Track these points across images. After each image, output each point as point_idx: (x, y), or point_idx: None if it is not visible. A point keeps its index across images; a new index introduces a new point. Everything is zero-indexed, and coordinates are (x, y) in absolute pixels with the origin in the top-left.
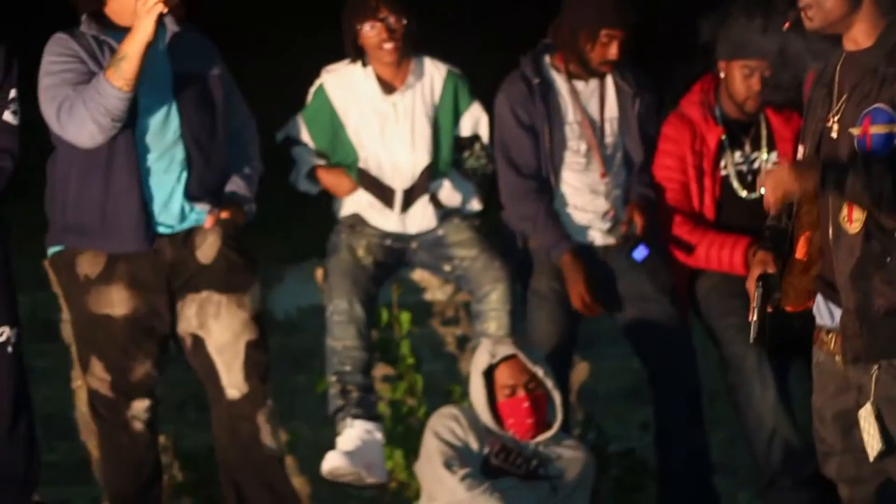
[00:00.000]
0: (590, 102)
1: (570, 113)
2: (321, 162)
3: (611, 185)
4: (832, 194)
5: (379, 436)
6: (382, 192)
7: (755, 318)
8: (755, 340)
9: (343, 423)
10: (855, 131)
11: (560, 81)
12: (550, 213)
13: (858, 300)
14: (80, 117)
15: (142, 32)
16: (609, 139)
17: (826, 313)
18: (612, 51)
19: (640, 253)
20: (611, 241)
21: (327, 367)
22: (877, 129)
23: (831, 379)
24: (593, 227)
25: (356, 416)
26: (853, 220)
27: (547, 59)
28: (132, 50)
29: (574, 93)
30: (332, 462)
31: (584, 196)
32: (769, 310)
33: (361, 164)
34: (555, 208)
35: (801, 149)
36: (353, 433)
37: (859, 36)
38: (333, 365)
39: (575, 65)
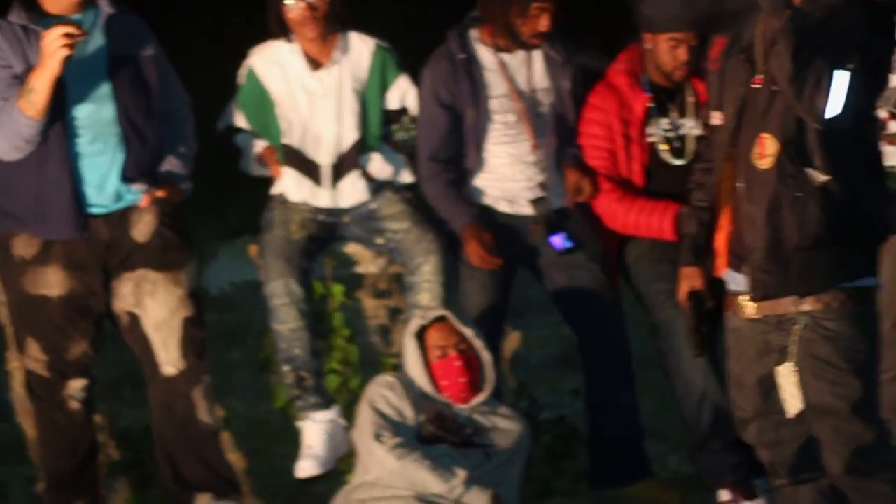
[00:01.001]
0: (518, 74)
1: (497, 86)
2: (265, 144)
3: (542, 155)
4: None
5: (341, 421)
6: (308, 168)
7: (693, 332)
8: (696, 353)
9: (304, 416)
10: None
11: (487, 55)
12: (451, 191)
13: (769, 236)
14: None
15: (49, 71)
16: (540, 108)
17: (740, 279)
18: (544, 22)
19: (561, 242)
20: (546, 207)
21: (278, 352)
22: None
23: (751, 344)
24: (525, 197)
25: (316, 407)
26: (764, 155)
27: (473, 33)
28: (40, 85)
29: (502, 65)
30: (306, 470)
31: (516, 167)
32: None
33: (286, 140)
34: (473, 182)
35: (715, 115)
36: (318, 428)
37: None
38: (283, 350)
39: (505, 38)
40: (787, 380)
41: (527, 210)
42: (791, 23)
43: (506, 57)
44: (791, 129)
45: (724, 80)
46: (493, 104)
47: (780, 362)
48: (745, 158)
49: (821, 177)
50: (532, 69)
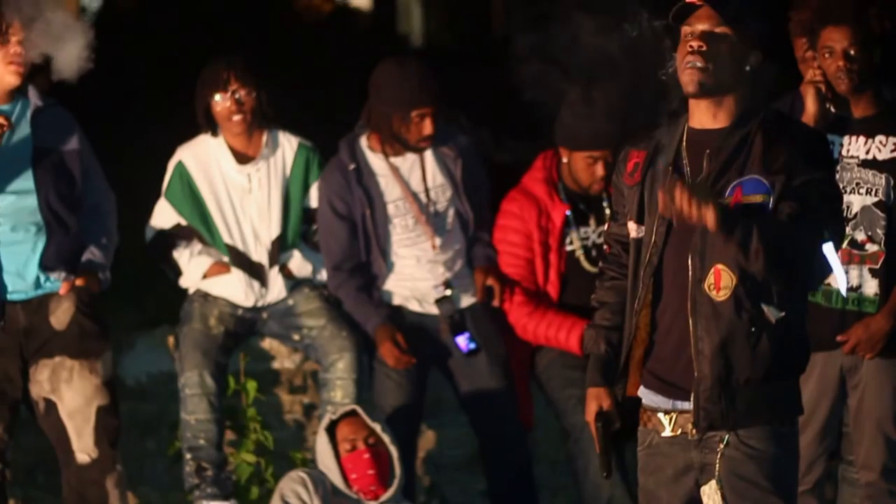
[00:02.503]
0: (412, 176)
1: (392, 191)
2: (209, 261)
3: (445, 254)
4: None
5: None
6: (254, 269)
7: (601, 453)
8: (605, 475)
9: None
10: (724, 201)
11: (378, 161)
12: (360, 296)
13: (719, 368)
14: None
15: None
16: (438, 206)
17: (660, 398)
18: (427, 128)
19: (465, 344)
20: (451, 307)
21: (182, 441)
22: (749, 199)
23: (668, 461)
24: (432, 296)
25: (213, 497)
26: (721, 287)
27: (363, 141)
28: None
29: (394, 169)
30: None
31: (422, 267)
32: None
33: (230, 242)
34: (380, 286)
35: (632, 227)
36: None
37: (721, 112)
38: (188, 439)
39: (392, 146)
40: (711, 499)
41: (436, 310)
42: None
43: (397, 161)
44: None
45: (648, 192)
46: (391, 209)
47: (700, 481)
48: (690, 283)
49: (776, 314)
50: (425, 168)
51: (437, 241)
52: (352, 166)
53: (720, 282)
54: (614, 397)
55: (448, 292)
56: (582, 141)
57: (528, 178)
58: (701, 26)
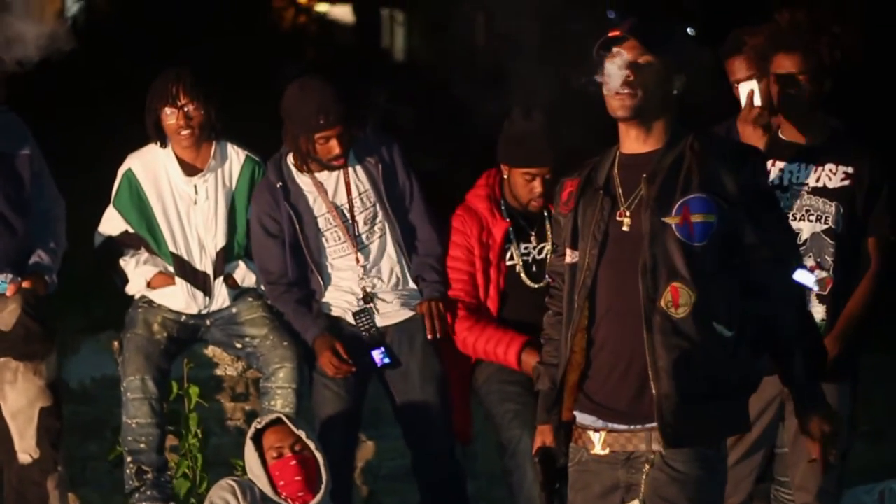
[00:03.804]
0: (338, 189)
1: (319, 206)
2: (153, 270)
3: (373, 267)
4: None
5: None
6: (197, 279)
7: (543, 488)
8: None
9: None
10: (672, 220)
11: (303, 178)
12: (299, 308)
13: (680, 385)
14: None
15: None
16: (363, 217)
17: (591, 417)
18: (333, 149)
19: (380, 359)
20: (392, 320)
21: (123, 444)
22: (696, 218)
23: (596, 479)
24: (365, 304)
25: (152, 500)
26: (679, 304)
27: (290, 159)
28: None
29: (318, 185)
30: None
31: (353, 279)
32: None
33: (175, 250)
34: (318, 298)
35: (568, 253)
36: None
37: (651, 137)
38: (128, 443)
39: (308, 164)
40: None
41: (377, 319)
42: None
43: (321, 176)
44: (702, 281)
45: (581, 217)
46: (321, 222)
47: (625, 500)
48: (642, 302)
49: (726, 332)
50: (349, 180)
51: (361, 257)
52: (279, 184)
53: (678, 299)
54: (558, 438)
55: (366, 305)
56: (519, 158)
57: (471, 195)
58: (626, 56)
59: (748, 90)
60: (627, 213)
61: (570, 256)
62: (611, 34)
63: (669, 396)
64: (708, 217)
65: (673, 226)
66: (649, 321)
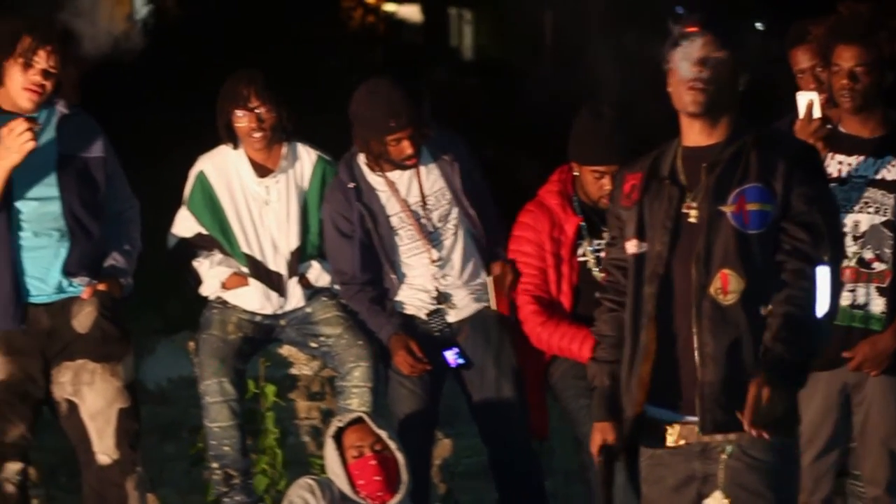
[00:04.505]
0: (411, 189)
1: (392, 205)
2: (227, 271)
3: (447, 265)
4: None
5: None
6: (271, 279)
7: (602, 485)
8: None
9: None
10: (728, 209)
11: (375, 178)
12: (373, 307)
13: (726, 372)
14: None
15: (9, 162)
16: (437, 214)
17: (663, 409)
18: (406, 149)
19: (454, 359)
20: (464, 314)
21: (207, 449)
22: (752, 206)
23: (671, 472)
24: (438, 304)
25: None
26: (728, 291)
27: (361, 158)
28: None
29: (390, 184)
30: None
31: (426, 276)
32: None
33: (247, 251)
34: (392, 296)
35: (631, 243)
36: None
37: (715, 131)
38: (213, 447)
39: (381, 165)
40: None
41: (448, 318)
42: None
43: (393, 175)
44: (754, 268)
45: (648, 208)
46: (394, 221)
47: (702, 491)
48: (693, 289)
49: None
50: (421, 178)
51: (435, 253)
52: (351, 185)
53: (728, 285)
54: (619, 431)
55: (439, 305)
56: (589, 156)
57: (543, 191)
58: (701, 52)
59: (807, 100)
60: (693, 205)
61: (636, 247)
62: (687, 29)
63: (713, 384)
64: (765, 206)
65: (728, 214)
66: (699, 308)
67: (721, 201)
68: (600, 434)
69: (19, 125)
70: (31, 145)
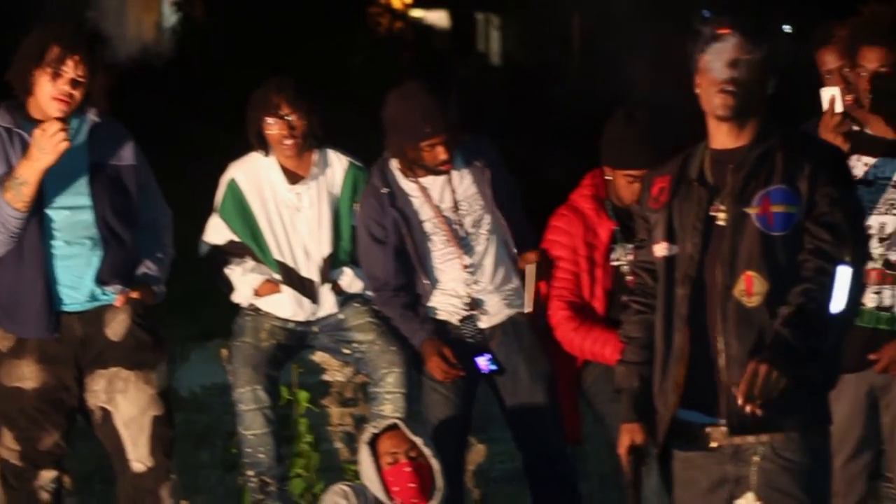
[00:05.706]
0: (444, 194)
1: (424, 211)
2: (260, 278)
3: (478, 270)
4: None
5: None
6: (304, 286)
7: (630, 486)
8: None
9: None
10: (752, 210)
11: (408, 184)
12: (406, 312)
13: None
14: None
15: (42, 163)
16: (469, 220)
17: (694, 412)
18: (440, 155)
19: (486, 365)
20: (496, 320)
21: (242, 457)
22: (777, 209)
23: (704, 474)
24: (470, 311)
25: None
26: (752, 293)
27: (394, 163)
28: (32, 177)
29: (423, 190)
30: None
31: (458, 281)
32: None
33: (280, 258)
34: (424, 302)
35: (661, 245)
36: None
37: (743, 133)
38: (248, 454)
39: (414, 170)
40: None
41: (480, 324)
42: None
43: (426, 181)
44: (778, 271)
45: (677, 210)
46: (427, 226)
47: (734, 493)
48: (718, 291)
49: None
50: (454, 185)
51: (467, 259)
52: (384, 190)
53: (752, 288)
54: (647, 432)
55: (471, 312)
56: (621, 160)
57: (576, 195)
58: (733, 53)
59: (829, 95)
60: (721, 207)
61: (666, 250)
62: (718, 31)
63: (737, 385)
64: (790, 208)
65: (753, 215)
66: (724, 310)
67: (746, 203)
68: (628, 435)
69: (52, 125)
70: (65, 145)
